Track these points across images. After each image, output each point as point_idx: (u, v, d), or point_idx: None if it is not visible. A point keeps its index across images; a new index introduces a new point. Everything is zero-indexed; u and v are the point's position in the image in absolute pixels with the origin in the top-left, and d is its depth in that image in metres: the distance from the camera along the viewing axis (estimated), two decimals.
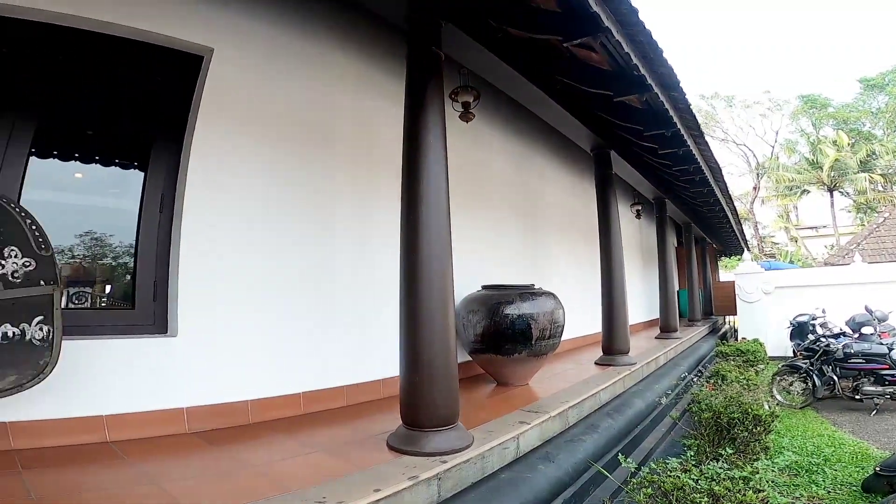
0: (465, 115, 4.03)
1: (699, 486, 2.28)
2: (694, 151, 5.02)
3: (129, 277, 2.96)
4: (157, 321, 2.81)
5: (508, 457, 2.65)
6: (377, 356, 3.72)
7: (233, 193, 3.07)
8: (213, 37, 3.06)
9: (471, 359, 4.32)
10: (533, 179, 6.48)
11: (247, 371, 3.02)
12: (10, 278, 1.87)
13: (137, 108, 2.97)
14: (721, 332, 11.79)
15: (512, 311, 3.97)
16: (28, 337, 1.89)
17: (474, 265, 4.73)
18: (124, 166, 3.03)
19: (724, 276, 17.30)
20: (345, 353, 3.57)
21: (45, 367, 1.96)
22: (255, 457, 2.40)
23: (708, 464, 2.60)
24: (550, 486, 2.54)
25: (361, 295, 3.72)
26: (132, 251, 2.96)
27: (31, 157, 2.59)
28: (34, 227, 1.99)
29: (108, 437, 2.52)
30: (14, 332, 1.86)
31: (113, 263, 2.99)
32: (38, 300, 1.91)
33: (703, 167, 5.70)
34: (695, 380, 5.29)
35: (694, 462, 2.70)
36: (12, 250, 1.91)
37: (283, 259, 3.27)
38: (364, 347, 3.68)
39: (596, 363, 5.25)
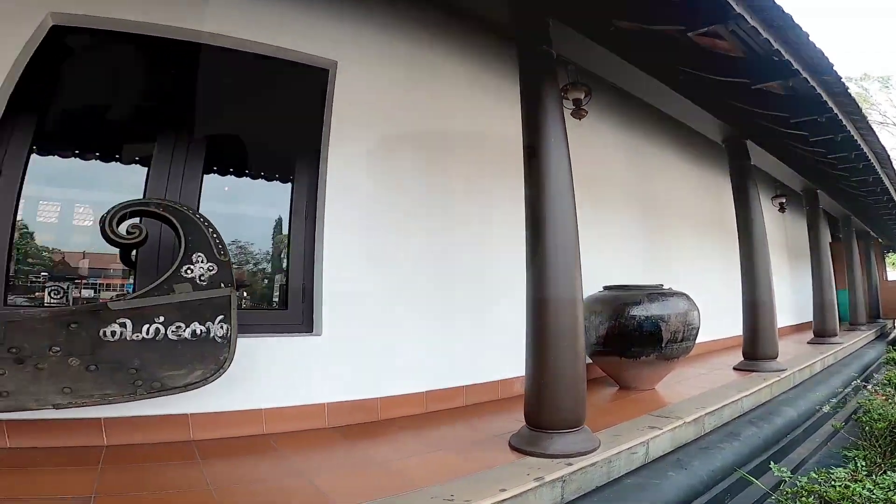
0: (578, 112, 4.05)
1: (874, 497, 2.08)
2: (855, 137, 4.56)
3: (266, 281, 3.40)
4: (304, 321, 3.19)
5: (636, 462, 2.66)
6: (495, 357, 3.88)
7: (364, 200, 3.40)
8: (336, 50, 3.42)
9: (591, 361, 4.31)
10: (653, 174, 6.26)
11: (378, 370, 3.32)
12: (197, 281, 2.29)
13: (283, 123, 3.40)
14: (891, 338, 10.25)
15: (639, 312, 3.93)
16: (212, 334, 2.29)
17: (592, 265, 4.67)
18: (269, 178, 3.47)
19: (892, 274, 14.91)
20: (464, 354, 3.76)
21: (224, 362, 2.34)
22: (386, 453, 2.62)
23: (882, 475, 2.36)
24: (680, 494, 2.50)
25: (481, 297, 3.91)
26: (269, 257, 3.41)
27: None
28: (215, 235, 2.39)
29: (265, 429, 2.87)
30: (201, 330, 2.27)
31: (254, 269, 3.44)
32: (220, 301, 2.30)
33: (868, 153, 5.13)
34: (865, 387, 4.74)
35: (865, 472, 2.46)
36: (199, 256, 2.31)
37: (409, 262, 3.56)
38: (483, 349, 3.86)
39: (735, 368, 5.00)
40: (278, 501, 2.02)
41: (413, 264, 3.57)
